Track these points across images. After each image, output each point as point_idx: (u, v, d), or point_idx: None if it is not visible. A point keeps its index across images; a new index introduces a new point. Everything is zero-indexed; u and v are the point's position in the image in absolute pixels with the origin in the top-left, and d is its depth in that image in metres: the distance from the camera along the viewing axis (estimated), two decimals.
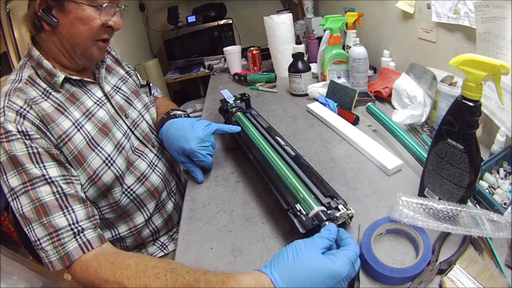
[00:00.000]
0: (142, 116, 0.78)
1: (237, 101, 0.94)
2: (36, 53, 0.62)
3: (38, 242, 0.52)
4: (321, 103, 0.98)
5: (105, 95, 0.70)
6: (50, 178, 0.54)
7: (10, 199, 0.53)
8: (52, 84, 0.62)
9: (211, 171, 0.77)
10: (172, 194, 0.80)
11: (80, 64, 0.66)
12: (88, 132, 0.63)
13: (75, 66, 0.66)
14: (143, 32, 2.45)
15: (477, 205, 0.53)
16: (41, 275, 1.01)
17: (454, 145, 0.45)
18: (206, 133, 0.71)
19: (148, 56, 2.44)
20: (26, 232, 0.53)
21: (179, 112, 0.78)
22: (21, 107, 0.55)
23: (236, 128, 0.78)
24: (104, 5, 0.59)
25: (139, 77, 0.91)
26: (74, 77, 0.64)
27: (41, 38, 0.62)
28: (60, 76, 0.61)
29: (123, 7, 0.65)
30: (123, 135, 0.70)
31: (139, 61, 2.13)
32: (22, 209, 0.52)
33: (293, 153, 0.69)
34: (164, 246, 0.79)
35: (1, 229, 1.23)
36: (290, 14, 1.34)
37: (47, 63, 0.61)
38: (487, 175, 0.58)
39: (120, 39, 1.82)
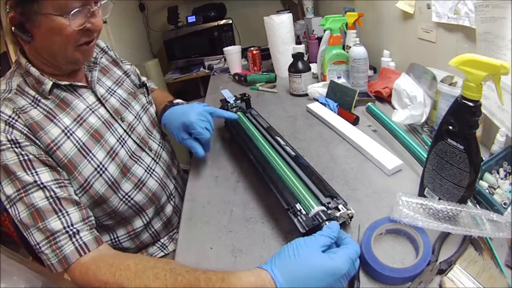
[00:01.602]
0: (140, 119, 0.77)
1: (238, 101, 0.94)
2: (23, 60, 0.60)
3: (38, 246, 0.53)
4: (321, 103, 0.98)
5: (98, 99, 0.68)
6: (42, 183, 0.54)
7: (8, 207, 0.54)
8: (40, 92, 0.60)
9: (210, 170, 0.78)
10: (171, 197, 0.80)
11: (67, 69, 0.64)
12: (79, 139, 0.61)
13: (62, 72, 0.64)
14: (143, 32, 2.44)
15: (477, 205, 0.53)
16: (41, 275, 1.01)
17: (454, 145, 0.45)
18: (205, 110, 0.76)
19: (148, 56, 2.43)
20: (26, 237, 0.53)
21: (181, 101, 0.84)
22: (10, 117, 0.55)
23: (233, 115, 0.83)
24: (72, 12, 0.53)
25: (139, 74, 0.89)
26: (63, 83, 0.62)
27: (25, 49, 0.61)
28: (48, 83, 0.60)
29: (104, 2, 0.59)
30: (117, 140, 0.68)
31: (139, 61, 2.12)
32: (19, 216, 0.53)
33: (293, 153, 0.69)
34: (164, 247, 0.78)
35: (1, 229, 1.23)
36: (290, 14, 1.34)
37: (34, 70, 0.60)
38: (487, 175, 0.58)
39: (120, 39, 1.81)
